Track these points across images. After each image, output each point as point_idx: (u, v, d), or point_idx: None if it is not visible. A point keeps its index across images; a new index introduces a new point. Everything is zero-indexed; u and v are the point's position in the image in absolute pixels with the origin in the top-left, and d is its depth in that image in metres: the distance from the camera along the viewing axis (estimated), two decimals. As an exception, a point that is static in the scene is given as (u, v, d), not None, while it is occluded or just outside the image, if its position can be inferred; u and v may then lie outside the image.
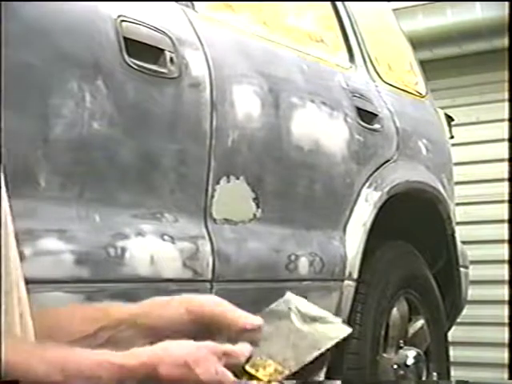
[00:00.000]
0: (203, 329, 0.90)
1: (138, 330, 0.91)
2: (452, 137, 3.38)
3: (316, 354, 0.92)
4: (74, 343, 0.89)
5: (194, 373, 0.80)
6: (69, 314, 0.95)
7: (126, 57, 1.71)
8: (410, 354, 2.69)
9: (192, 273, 1.83)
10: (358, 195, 2.50)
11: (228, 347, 0.85)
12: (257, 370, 0.88)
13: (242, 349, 0.88)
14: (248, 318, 0.91)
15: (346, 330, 0.96)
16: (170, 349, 0.82)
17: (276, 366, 0.89)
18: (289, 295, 0.97)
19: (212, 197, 1.92)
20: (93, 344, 0.90)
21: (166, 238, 1.77)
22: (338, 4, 2.85)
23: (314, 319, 0.95)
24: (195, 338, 0.87)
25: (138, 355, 0.81)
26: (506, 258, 4.90)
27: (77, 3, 1.66)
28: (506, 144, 5.12)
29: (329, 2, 2.81)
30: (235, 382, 0.84)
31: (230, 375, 0.83)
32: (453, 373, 3.09)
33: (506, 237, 4.95)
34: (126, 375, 0.79)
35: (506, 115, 5.08)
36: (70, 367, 0.79)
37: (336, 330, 0.97)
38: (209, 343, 0.85)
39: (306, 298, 0.97)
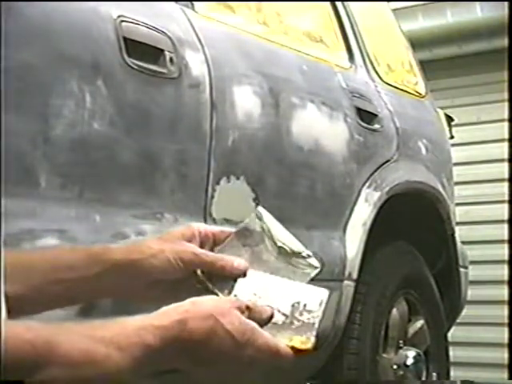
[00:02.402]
0: (193, 274, 0.98)
1: (133, 273, 0.96)
2: (452, 137, 3.38)
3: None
4: (74, 285, 0.95)
5: (219, 324, 0.84)
6: (69, 255, 0.99)
7: (125, 57, 1.71)
8: (410, 355, 2.69)
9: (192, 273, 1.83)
10: (358, 195, 2.50)
11: (250, 303, 0.90)
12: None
13: (265, 308, 0.92)
14: (234, 267, 0.97)
15: (317, 266, 1.02)
16: (196, 305, 0.86)
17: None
18: (261, 209, 1.01)
19: (212, 197, 1.92)
20: (88, 287, 0.96)
21: (165, 238, 1.76)
22: (338, 4, 2.85)
23: (288, 253, 1.00)
24: (185, 281, 0.97)
25: (170, 314, 0.85)
26: (506, 258, 4.90)
27: (77, 3, 1.66)
28: (506, 144, 5.12)
29: (328, 2, 2.81)
30: (263, 336, 0.87)
31: (253, 324, 0.86)
32: (452, 373, 3.09)
33: (506, 237, 4.95)
34: (164, 335, 0.83)
35: (506, 115, 5.08)
36: (118, 339, 0.81)
37: (311, 268, 1.02)
38: (231, 298, 0.91)
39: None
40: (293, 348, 0.90)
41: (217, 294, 0.96)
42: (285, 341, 0.90)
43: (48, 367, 0.75)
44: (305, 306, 0.94)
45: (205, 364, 0.85)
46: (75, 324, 0.83)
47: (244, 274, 0.97)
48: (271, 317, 0.91)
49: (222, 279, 0.97)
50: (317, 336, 0.92)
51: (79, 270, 0.96)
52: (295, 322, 0.93)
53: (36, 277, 0.95)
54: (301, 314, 0.94)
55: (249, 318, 0.87)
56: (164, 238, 0.99)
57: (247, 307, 0.88)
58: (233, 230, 1.02)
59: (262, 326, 0.89)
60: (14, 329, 0.76)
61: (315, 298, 0.96)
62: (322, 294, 0.96)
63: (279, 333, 0.91)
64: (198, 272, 0.98)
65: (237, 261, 0.97)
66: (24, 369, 0.75)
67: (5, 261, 0.87)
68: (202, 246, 1.00)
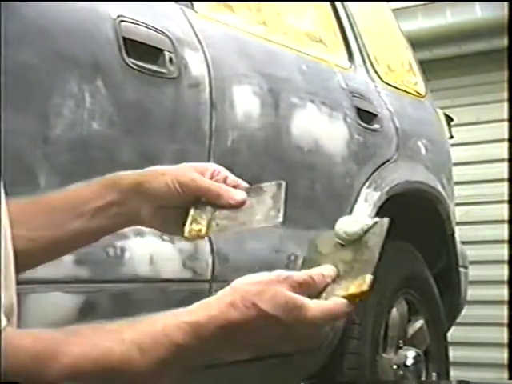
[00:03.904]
0: (194, 199, 0.97)
1: (141, 198, 0.97)
2: (452, 137, 3.38)
3: None
4: (91, 216, 0.97)
5: (262, 311, 0.80)
6: (85, 190, 1.00)
7: (125, 57, 1.71)
8: (410, 355, 2.69)
9: (191, 273, 1.83)
10: (358, 195, 2.50)
11: (303, 277, 0.84)
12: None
13: (323, 273, 0.86)
14: (230, 196, 0.96)
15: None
16: (237, 292, 0.83)
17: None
18: (284, 184, 1.00)
19: (212, 197, 1.92)
20: (104, 216, 0.97)
21: (165, 237, 1.77)
22: (338, 4, 2.85)
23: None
24: (189, 206, 0.96)
25: (206, 308, 0.82)
26: (506, 258, 4.90)
27: (76, 3, 1.66)
28: (505, 144, 5.12)
29: (328, 2, 2.81)
30: (307, 304, 0.82)
31: (301, 299, 0.81)
32: (452, 373, 3.09)
33: (506, 237, 4.95)
34: (198, 332, 0.79)
35: (506, 115, 5.08)
36: (147, 342, 0.79)
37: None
38: (281, 274, 0.83)
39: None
40: (350, 296, 0.84)
41: (196, 221, 0.94)
42: (342, 293, 0.84)
43: (52, 377, 0.75)
44: (366, 243, 0.89)
45: (253, 351, 0.82)
46: (98, 326, 0.81)
47: (240, 205, 0.95)
48: (331, 280, 0.86)
49: (206, 208, 0.95)
50: (374, 273, 0.86)
51: (94, 201, 0.97)
52: (355, 266, 0.88)
53: (58, 218, 0.98)
54: (362, 254, 0.89)
55: (302, 293, 0.82)
56: (175, 167, 1.01)
57: (299, 284, 0.83)
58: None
59: (321, 293, 0.84)
60: (18, 341, 0.75)
61: (374, 228, 0.89)
62: (379, 220, 0.90)
63: (339, 285, 0.85)
64: (191, 210, 0.96)
65: (234, 191, 0.96)
66: (27, 377, 0.74)
67: (29, 208, 0.96)
68: (212, 178, 1.00)
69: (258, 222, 0.94)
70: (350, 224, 0.91)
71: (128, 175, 0.99)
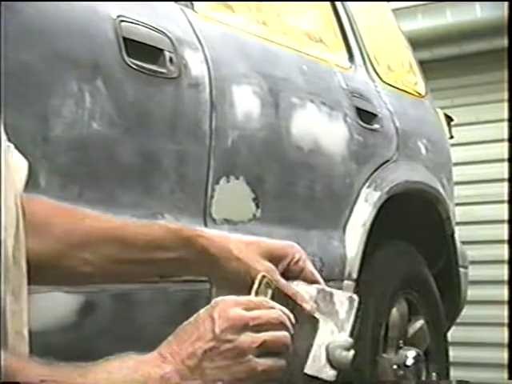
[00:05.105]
0: None
1: (211, 267, 0.98)
2: (452, 137, 3.38)
3: None
4: (165, 264, 0.99)
5: None
6: (161, 234, 0.99)
7: (125, 57, 1.71)
8: (410, 355, 2.69)
9: None
10: (358, 195, 2.50)
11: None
12: None
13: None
14: (304, 300, 0.96)
15: None
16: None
17: None
18: (356, 298, 0.98)
19: (212, 197, 1.92)
20: (171, 266, 0.99)
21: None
22: (338, 4, 2.85)
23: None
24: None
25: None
26: (506, 258, 4.90)
27: (76, 3, 1.66)
28: (505, 144, 5.12)
29: (328, 2, 2.81)
30: None
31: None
32: (452, 373, 3.09)
33: (506, 237, 4.95)
34: None
35: (506, 115, 5.08)
36: None
37: None
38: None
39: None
40: None
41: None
42: None
43: None
44: None
45: None
46: None
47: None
48: None
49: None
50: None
51: (166, 250, 0.98)
52: None
53: (124, 253, 0.99)
54: None
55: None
56: (251, 246, 0.98)
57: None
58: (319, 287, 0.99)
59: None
60: None
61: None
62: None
63: None
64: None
65: (306, 302, 0.96)
66: None
67: (95, 233, 0.97)
68: (288, 267, 0.99)
69: (309, 369, 0.94)
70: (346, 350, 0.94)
71: (202, 237, 0.98)
